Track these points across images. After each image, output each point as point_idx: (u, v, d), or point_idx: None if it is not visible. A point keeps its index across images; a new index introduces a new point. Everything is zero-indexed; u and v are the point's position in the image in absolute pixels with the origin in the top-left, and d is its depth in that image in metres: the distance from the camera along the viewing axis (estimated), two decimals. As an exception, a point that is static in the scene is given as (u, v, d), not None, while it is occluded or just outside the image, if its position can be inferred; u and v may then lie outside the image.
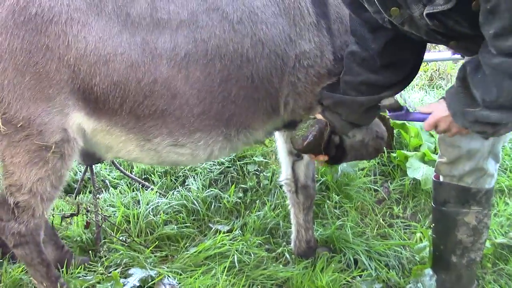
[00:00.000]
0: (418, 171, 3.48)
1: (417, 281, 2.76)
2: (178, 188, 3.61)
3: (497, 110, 1.87)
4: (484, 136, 2.23)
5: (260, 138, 2.61)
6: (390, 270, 2.97)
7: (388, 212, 3.47)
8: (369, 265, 2.99)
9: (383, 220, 3.39)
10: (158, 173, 3.76)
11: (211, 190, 3.52)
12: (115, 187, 3.65)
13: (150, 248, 3.04)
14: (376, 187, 3.63)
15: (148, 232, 3.21)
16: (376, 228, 3.32)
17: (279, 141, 2.88)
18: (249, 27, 2.28)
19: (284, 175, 2.96)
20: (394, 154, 3.75)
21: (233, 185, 3.54)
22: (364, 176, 3.65)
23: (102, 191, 3.55)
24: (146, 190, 3.56)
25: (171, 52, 2.20)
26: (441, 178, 2.58)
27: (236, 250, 3.01)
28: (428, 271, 2.72)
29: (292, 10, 2.35)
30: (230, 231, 3.23)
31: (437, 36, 1.99)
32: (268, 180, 3.61)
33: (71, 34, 2.09)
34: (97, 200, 3.11)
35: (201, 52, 2.23)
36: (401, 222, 3.37)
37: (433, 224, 2.67)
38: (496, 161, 2.48)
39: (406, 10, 1.92)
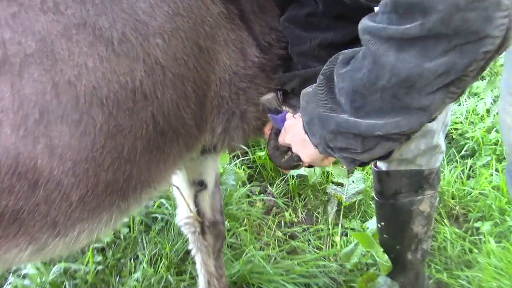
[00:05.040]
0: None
1: (369, 294, 2.28)
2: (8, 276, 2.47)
3: (370, 114, 1.25)
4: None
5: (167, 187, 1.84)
6: (325, 292, 2.43)
7: (281, 221, 2.91)
8: (300, 294, 2.41)
9: (282, 233, 2.82)
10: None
11: (57, 266, 2.48)
12: None
13: None
14: (255, 196, 3.03)
15: None
16: (278, 245, 2.74)
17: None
18: (138, 45, 1.45)
19: (184, 212, 2.18)
20: (260, 153, 3.19)
21: (89, 250, 2.55)
22: (240, 187, 3.01)
23: None
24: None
25: (15, 114, 1.31)
26: (384, 166, 2.11)
27: None
28: (383, 279, 2.25)
29: (192, 2, 1.58)
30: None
31: None
32: (129, 227, 2.72)
33: None
34: None
35: (68, 103, 1.37)
36: (301, 228, 2.85)
37: (382, 223, 2.20)
38: (444, 132, 2.10)
39: None
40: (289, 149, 1.79)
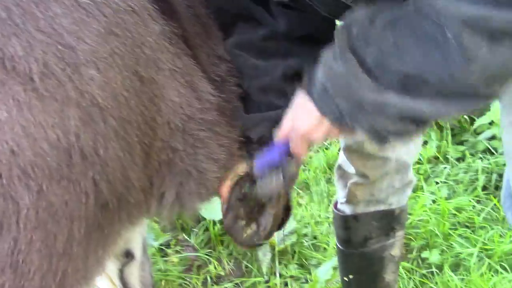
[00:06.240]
0: (217, 211, 2.51)
1: None
2: None
3: (423, 96, 1.04)
4: (382, 142, 1.19)
5: None
6: None
7: (207, 277, 2.46)
8: None
9: (212, 292, 2.37)
10: None
11: None
12: None
13: None
14: (169, 250, 2.54)
15: None
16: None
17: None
18: (67, 80, 1.00)
19: (109, 293, 1.67)
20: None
21: None
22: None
23: None
24: None
25: None
26: (349, 209, 1.78)
27: None
28: None
29: (126, 16, 1.14)
30: None
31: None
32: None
33: None
34: None
35: None
36: (234, 284, 2.42)
37: (350, 276, 1.86)
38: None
39: None
40: (254, 219, 1.38)
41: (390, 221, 1.79)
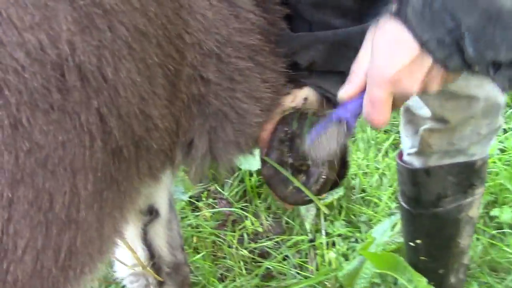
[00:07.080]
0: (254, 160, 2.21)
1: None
2: None
3: None
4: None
5: None
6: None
7: (243, 235, 2.19)
8: None
9: (248, 251, 2.11)
10: None
11: None
12: None
13: None
14: (201, 204, 2.28)
15: None
16: (247, 269, 2.03)
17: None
18: None
19: (128, 259, 1.41)
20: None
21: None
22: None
23: None
24: None
25: None
26: (419, 162, 1.46)
27: None
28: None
29: None
30: None
31: None
32: None
33: None
34: None
35: None
36: (274, 242, 2.15)
37: (418, 241, 1.56)
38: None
39: None
40: (303, 166, 1.07)
41: (469, 175, 1.46)
